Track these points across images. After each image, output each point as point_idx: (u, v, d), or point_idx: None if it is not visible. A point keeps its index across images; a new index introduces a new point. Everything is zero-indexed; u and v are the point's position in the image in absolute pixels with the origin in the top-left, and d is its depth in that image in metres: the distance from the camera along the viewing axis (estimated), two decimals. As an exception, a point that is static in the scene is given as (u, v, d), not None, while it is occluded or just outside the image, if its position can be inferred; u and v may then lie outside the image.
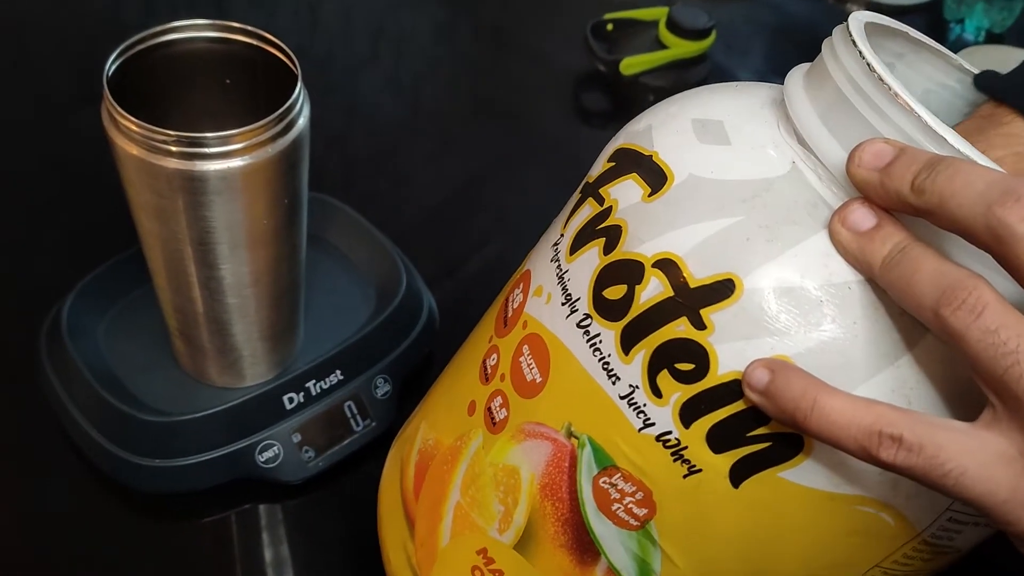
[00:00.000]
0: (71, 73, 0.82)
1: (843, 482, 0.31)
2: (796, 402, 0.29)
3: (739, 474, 0.32)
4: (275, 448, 0.55)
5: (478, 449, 0.39)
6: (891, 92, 0.31)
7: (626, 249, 0.34)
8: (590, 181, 0.39)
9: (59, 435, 0.57)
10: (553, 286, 0.37)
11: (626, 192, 0.35)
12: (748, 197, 0.32)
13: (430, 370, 0.63)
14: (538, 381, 0.37)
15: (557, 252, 0.38)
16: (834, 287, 0.30)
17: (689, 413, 0.32)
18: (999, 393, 0.27)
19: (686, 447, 0.33)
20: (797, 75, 0.36)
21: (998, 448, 0.27)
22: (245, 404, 0.54)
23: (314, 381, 0.56)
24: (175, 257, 0.49)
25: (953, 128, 0.31)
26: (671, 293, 0.32)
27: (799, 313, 0.31)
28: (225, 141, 0.44)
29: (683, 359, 0.32)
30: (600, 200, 0.37)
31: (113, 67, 0.46)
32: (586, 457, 0.35)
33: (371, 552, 0.55)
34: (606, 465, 0.35)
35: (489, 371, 0.40)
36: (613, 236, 0.35)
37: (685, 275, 0.32)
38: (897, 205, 0.29)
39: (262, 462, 0.55)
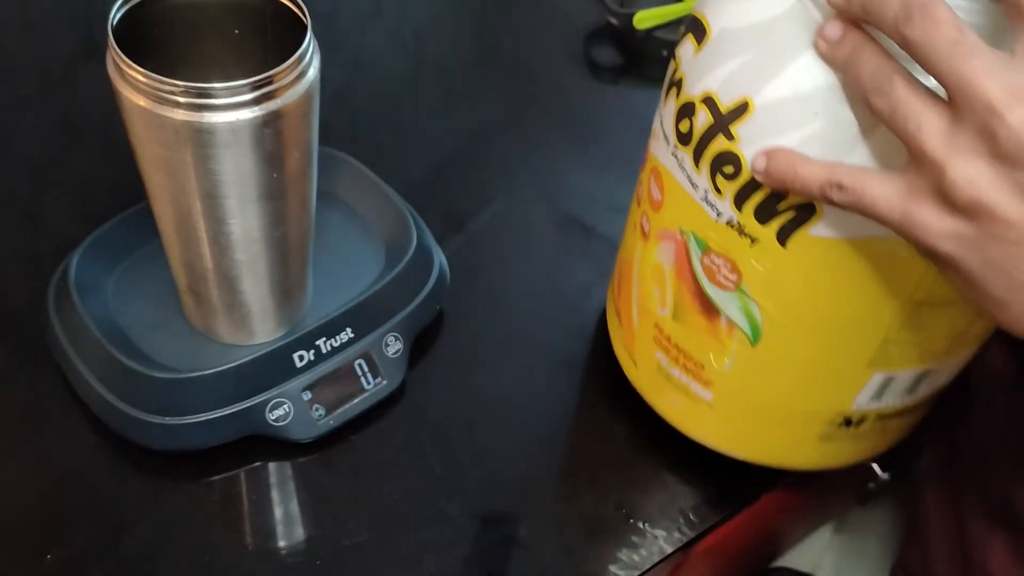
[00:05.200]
0: (77, 25, 0.81)
1: (855, 228, 0.42)
2: (783, 173, 0.41)
3: (782, 237, 0.44)
4: (285, 406, 0.55)
5: (641, 255, 0.54)
6: None
7: (687, 93, 0.46)
8: (675, 46, 0.50)
9: (67, 392, 0.56)
10: (659, 127, 0.51)
11: (685, 49, 0.47)
12: (759, 36, 0.43)
13: (441, 328, 0.63)
14: (659, 199, 0.51)
15: (662, 100, 0.50)
16: (816, 91, 0.40)
17: (738, 201, 0.45)
18: (911, 149, 0.37)
19: (745, 225, 0.45)
20: None
21: (903, 184, 0.38)
22: (255, 361, 0.54)
23: (324, 339, 0.56)
24: (183, 212, 0.48)
25: None
26: (712, 120, 0.44)
27: (795, 115, 0.41)
28: (234, 92, 0.43)
29: (726, 164, 0.44)
30: (675, 58, 0.49)
31: (118, 16, 0.45)
32: (693, 246, 0.49)
33: (379, 511, 0.55)
34: (705, 249, 0.48)
35: (639, 197, 0.55)
36: (679, 84, 0.47)
37: (718, 104, 0.44)
38: (859, 20, 0.39)
39: (272, 420, 0.54)
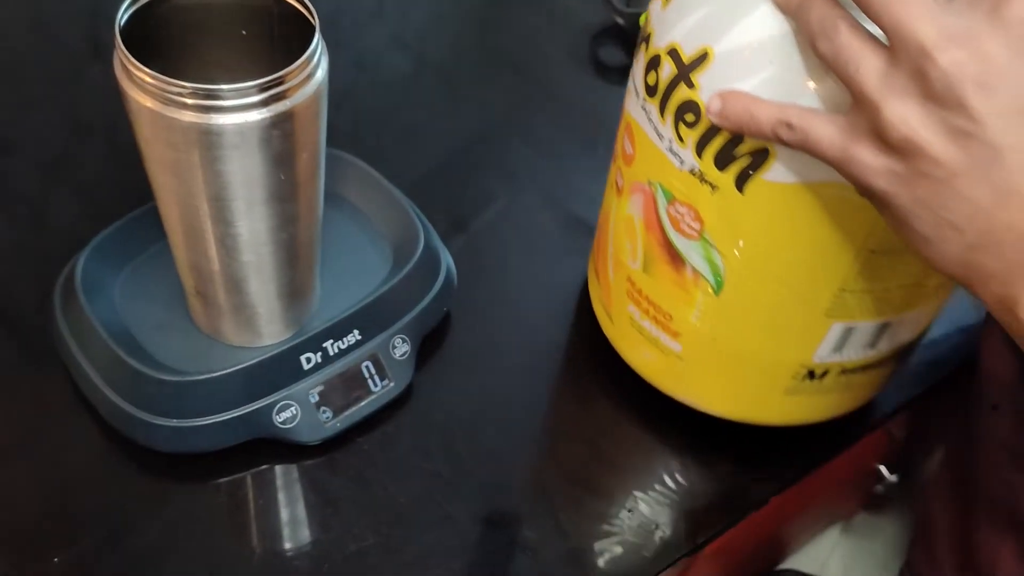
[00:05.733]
0: (83, 25, 0.80)
1: (807, 172, 0.44)
2: (739, 114, 0.43)
3: (740, 183, 0.46)
4: (292, 408, 0.54)
5: (615, 210, 0.56)
6: None
7: (654, 47, 0.49)
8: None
9: (74, 393, 0.56)
10: (631, 83, 0.53)
11: (655, 5, 0.50)
12: None
13: (448, 329, 0.63)
14: (631, 153, 0.53)
15: (635, 57, 0.52)
16: (771, 39, 0.43)
17: (699, 148, 0.47)
18: (851, 91, 0.39)
19: (705, 173, 0.47)
20: None
21: (845, 124, 0.39)
22: (262, 364, 0.54)
23: (331, 341, 0.56)
24: (190, 213, 0.48)
25: None
26: (676, 71, 0.47)
27: (751, 62, 0.43)
28: (242, 94, 0.43)
29: (688, 113, 0.47)
30: (647, 14, 0.51)
31: (125, 16, 0.45)
32: (659, 196, 0.51)
33: (386, 515, 0.54)
34: (670, 199, 0.50)
35: (615, 155, 0.57)
36: (648, 39, 0.49)
37: (681, 55, 0.46)
38: None
39: (279, 422, 0.54)
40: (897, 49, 0.37)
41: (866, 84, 0.38)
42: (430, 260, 0.60)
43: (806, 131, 0.41)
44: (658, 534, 0.55)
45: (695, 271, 0.51)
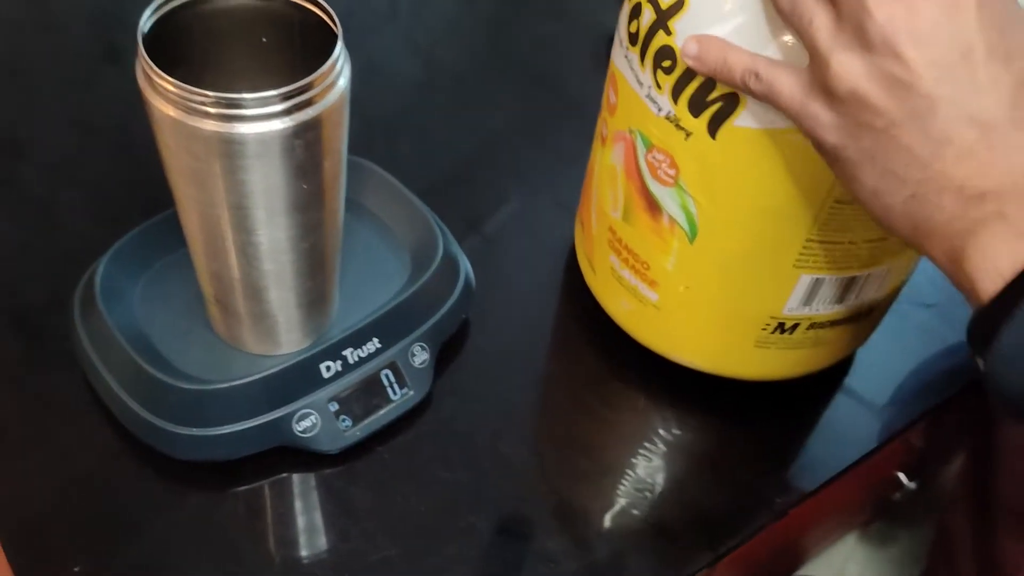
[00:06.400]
0: (96, 27, 0.80)
1: (775, 119, 0.46)
2: (715, 60, 0.45)
3: (712, 128, 0.48)
4: (312, 417, 0.54)
5: (599, 162, 0.58)
6: None
7: None
8: None
9: (93, 401, 0.56)
10: (617, 34, 0.54)
11: None
12: None
13: (467, 336, 0.62)
14: (614, 102, 0.55)
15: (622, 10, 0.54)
16: None
17: (675, 94, 0.49)
18: (806, 45, 0.41)
19: (680, 118, 0.49)
20: None
21: (804, 78, 0.41)
22: (281, 372, 0.53)
23: (351, 349, 0.55)
24: (211, 221, 0.48)
25: None
26: (655, 17, 0.49)
27: (723, 9, 0.45)
28: (264, 102, 0.43)
29: (665, 59, 0.49)
30: None
31: (148, 24, 0.45)
32: (639, 144, 0.53)
33: (406, 524, 0.54)
34: (648, 146, 0.52)
35: (601, 107, 0.58)
36: None
37: (659, 2, 0.48)
38: None
39: (299, 431, 0.54)
40: (841, 5, 0.39)
41: (817, 38, 0.40)
42: (449, 267, 0.60)
43: (771, 82, 0.43)
44: (679, 545, 0.55)
45: (671, 219, 0.53)
